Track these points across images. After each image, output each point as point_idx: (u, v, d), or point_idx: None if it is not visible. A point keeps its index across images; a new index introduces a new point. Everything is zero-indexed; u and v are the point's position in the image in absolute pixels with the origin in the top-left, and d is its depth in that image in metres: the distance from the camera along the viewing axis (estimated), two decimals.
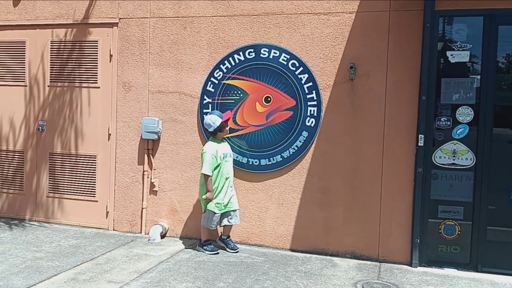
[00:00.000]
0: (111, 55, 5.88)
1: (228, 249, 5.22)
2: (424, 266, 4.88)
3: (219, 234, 5.40)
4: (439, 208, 4.87)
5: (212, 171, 5.04)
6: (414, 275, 4.67)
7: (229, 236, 5.33)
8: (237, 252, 5.18)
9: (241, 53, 5.43)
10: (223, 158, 5.11)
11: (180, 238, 5.68)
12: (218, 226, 5.27)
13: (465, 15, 4.80)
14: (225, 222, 5.18)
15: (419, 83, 4.85)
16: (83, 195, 6.05)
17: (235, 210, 5.20)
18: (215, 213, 5.08)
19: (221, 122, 5.11)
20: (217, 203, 5.07)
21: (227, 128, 5.25)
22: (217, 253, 5.12)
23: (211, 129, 5.13)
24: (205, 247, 5.17)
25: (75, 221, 6.08)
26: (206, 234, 5.22)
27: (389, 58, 4.99)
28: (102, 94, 5.94)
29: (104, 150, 5.96)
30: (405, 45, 4.93)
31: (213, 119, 5.10)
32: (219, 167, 5.08)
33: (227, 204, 5.12)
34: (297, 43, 5.26)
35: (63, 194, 6.13)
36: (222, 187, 5.10)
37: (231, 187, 5.20)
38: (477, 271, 4.76)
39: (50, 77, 6.16)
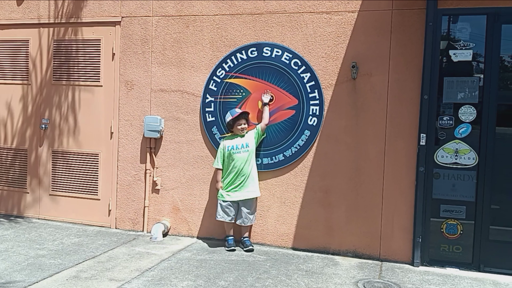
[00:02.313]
0: (113, 54, 5.90)
1: (243, 248, 5.25)
2: (426, 266, 4.87)
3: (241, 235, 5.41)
4: (441, 207, 4.86)
5: (223, 164, 5.25)
6: (416, 274, 4.66)
7: (246, 236, 5.35)
8: (249, 250, 5.19)
9: (243, 52, 5.43)
10: (231, 150, 5.21)
11: (182, 237, 5.69)
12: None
13: (468, 14, 4.78)
14: (238, 222, 5.29)
15: (421, 82, 4.83)
16: (85, 193, 6.07)
17: (247, 211, 5.22)
18: (221, 203, 5.23)
19: (230, 120, 5.22)
20: (220, 194, 5.26)
21: (239, 127, 5.23)
22: (233, 250, 5.18)
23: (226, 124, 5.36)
24: (225, 243, 5.30)
25: (78, 219, 6.11)
26: (225, 229, 5.36)
27: (392, 57, 4.97)
28: (104, 92, 5.96)
29: (106, 148, 5.97)
30: (408, 44, 4.92)
31: (226, 116, 5.29)
32: (227, 159, 5.24)
33: (230, 191, 5.23)
34: (299, 42, 5.26)
35: (66, 192, 6.16)
36: (231, 178, 5.22)
37: (243, 179, 5.20)
38: (479, 271, 4.74)
39: (53, 75, 6.18)
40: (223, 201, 5.25)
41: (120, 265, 4.65)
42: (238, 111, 5.24)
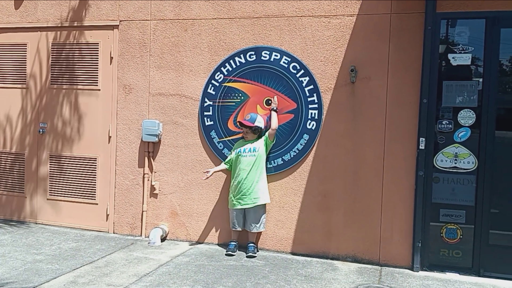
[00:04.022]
0: (111, 58, 5.88)
1: (246, 253, 5.20)
2: (426, 270, 4.84)
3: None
4: (440, 211, 4.84)
5: (231, 166, 5.31)
6: (416, 279, 4.64)
7: (251, 242, 5.30)
8: (249, 257, 5.11)
9: (242, 55, 5.41)
10: (238, 152, 5.22)
11: (181, 242, 5.66)
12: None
13: (467, 18, 4.77)
14: (245, 228, 5.29)
15: (420, 86, 4.82)
16: (83, 198, 6.04)
17: (252, 218, 5.19)
18: (232, 210, 5.25)
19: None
20: (230, 201, 5.28)
21: (243, 133, 5.27)
22: (231, 255, 5.14)
23: None
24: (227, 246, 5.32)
25: (76, 223, 6.07)
26: (231, 234, 5.37)
27: (390, 61, 4.96)
28: (102, 96, 5.94)
29: (104, 152, 5.95)
30: (407, 48, 4.90)
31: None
32: (235, 162, 5.25)
33: (239, 199, 5.19)
34: (298, 45, 5.24)
35: (64, 197, 6.12)
36: (238, 183, 5.20)
37: (250, 185, 5.15)
38: (479, 276, 4.71)
39: (51, 79, 6.16)
40: (233, 209, 5.24)
41: (118, 270, 4.62)
42: (246, 117, 5.18)
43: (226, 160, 5.33)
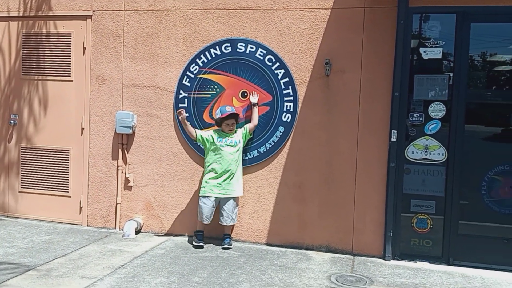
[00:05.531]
0: (84, 48, 5.79)
1: (221, 245, 5.18)
2: (397, 259, 4.95)
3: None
4: (411, 202, 4.95)
5: (206, 153, 5.20)
6: (387, 268, 4.74)
7: (226, 234, 5.28)
8: (225, 249, 5.12)
9: (217, 47, 5.40)
10: (218, 143, 5.11)
11: (155, 234, 5.64)
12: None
13: (438, 12, 4.86)
14: (220, 221, 5.22)
15: (392, 79, 4.90)
16: (56, 190, 5.95)
17: (228, 210, 5.15)
18: (203, 202, 5.12)
19: (218, 118, 5.16)
20: (203, 188, 5.15)
21: (227, 127, 5.13)
22: (200, 247, 5.13)
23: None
24: (194, 238, 5.23)
25: (48, 216, 5.99)
26: (197, 224, 5.29)
27: (364, 54, 5.03)
28: (75, 87, 5.85)
29: (77, 144, 5.87)
30: (380, 41, 4.98)
31: (216, 112, 5.21)
32: (212, 151, 5.14)
33: (217, 188, 5.12)
34: (273, 38, 5.26)
35: (36, 189, 6.02)
36: (217, 174, 5.11)
37: (228, 176, 5.12)
38: (449, 264, 4.84)
39: (22, 70, 6.03)
40: (205, 196, 5.12)
41: (92, 263, 4.59)
42: (228, 110, 5.09)
43: (198, 133, 5.17)
